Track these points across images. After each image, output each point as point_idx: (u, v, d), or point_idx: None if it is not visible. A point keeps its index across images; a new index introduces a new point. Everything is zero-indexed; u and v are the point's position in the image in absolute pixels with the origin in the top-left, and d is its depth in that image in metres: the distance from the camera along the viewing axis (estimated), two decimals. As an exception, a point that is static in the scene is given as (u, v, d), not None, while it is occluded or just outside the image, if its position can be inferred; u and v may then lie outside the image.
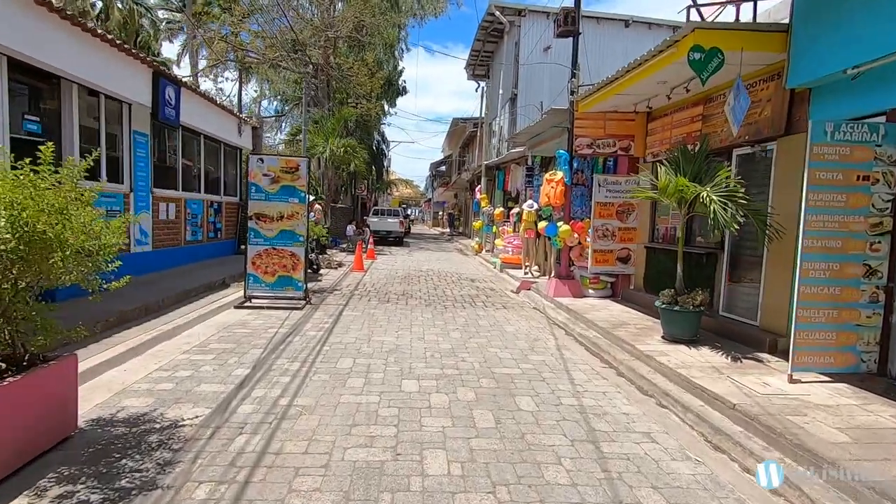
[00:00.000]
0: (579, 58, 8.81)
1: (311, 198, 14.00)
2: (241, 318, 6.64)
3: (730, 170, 5.12)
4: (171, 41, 33.90)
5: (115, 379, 4.15)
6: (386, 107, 30.88)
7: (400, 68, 31.76)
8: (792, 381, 4.26)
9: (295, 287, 7.63)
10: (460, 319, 7.18)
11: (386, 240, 22.16)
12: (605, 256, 8.41)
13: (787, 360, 4.88)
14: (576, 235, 8.56)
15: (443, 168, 46.67)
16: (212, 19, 26.14)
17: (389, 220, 22.88)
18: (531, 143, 12.25)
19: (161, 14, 31.94)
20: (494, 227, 16.16)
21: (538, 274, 11.47)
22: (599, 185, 8.31)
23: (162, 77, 8.05)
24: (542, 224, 8.96)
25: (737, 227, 4.85)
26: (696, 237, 7.04)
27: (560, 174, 8.42)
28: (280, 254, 7.59)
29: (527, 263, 11.58)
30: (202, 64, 27.17)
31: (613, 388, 4.57)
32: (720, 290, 6.30)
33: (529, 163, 12.38)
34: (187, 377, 4.27)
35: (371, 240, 16.58)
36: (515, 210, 14.77)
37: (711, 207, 4.85)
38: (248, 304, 7.47)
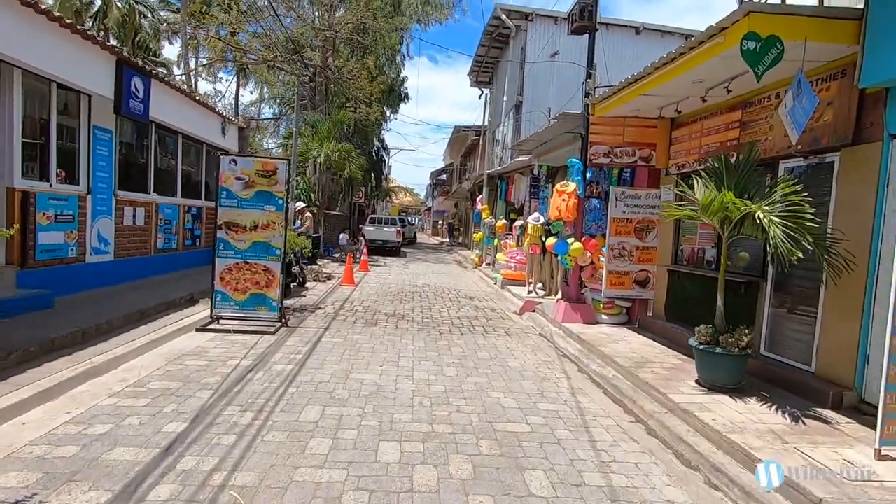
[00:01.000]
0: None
1: (301, 204, 13.12)
2: (201, 344, 5.68)
3: (793, 185, 4.21)
4: (170, 42, 33.28)
5: (2, 438, 3.19)
6: (387, 113, 30.13)
7: (402, 76, 31.08)
8: (881, 456, 3.32)
9: (269, 307, 6.69)
10: (457, 349, 6.23)
11: (382, 249, 21.23)
12: (621, 279, 7.48)
13: (859, 422, 3.96)
14: (588, 254, 7.64)
15: (443, 177, 45.90)
16: (211, 20, 25.45)
17: (386, 229, 21.96)
18: (538, 151, 11.38)
19: (162, 14, 31.32)
20: (496, 240, 15.25)
21: (543, 293, 10.53)
22: (616, 199, 7.41)
23: (127, 66, 7.16)
24: (550, 240, 8.05)
25: (801, 256, 3.92)
26: (731, 261, 6.11)
27: (572, 185, 7.52)
28: (253, 268, 6.65)
29: (530, 281, 10.65)
30: (200, 64, 26.42)
31: (647, 455, 3.62)
32: (762, 325, 5.36)
33: (536, 172, 11.51)
34: (102, 435, 3.31)
35: (364, 250, 15.64)
36: (519, 223, 13.86)
37: (772, 231, 3.92)
38: (213, 325, 6.51)
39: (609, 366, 5.71)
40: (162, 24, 30.57)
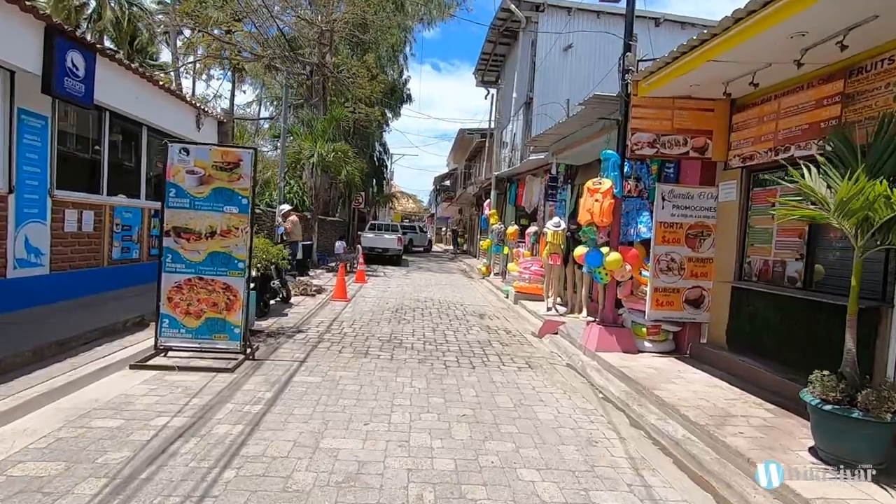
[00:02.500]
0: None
1: (286, 207, 11.75)
2: (128, 390, 4.27)
3: None
4: (167, 44, 32.15)
5: None
6: (388, 115, 28.90)
7: (405, 77, 29.89)
8: None
9: (229, 335, 5.28)
10: (468, 392, 4.79)
11: (382, 258, 19.84)
12: (669, 297, 6.05)
13: None
14: (628, 267, 6.21)
15: (447, 183, 44.62)
16: (205, 20, 24.32)
17: (386, 236, 20.58)
18: (557, 147, 10.00)
19: (160, 18, 30.22)
20: (506, 248, 13.84)
21: (564, 310, 9.09)
22: (663, 199, 5.99)
23: (61, 36, 5.81)
24: (580, 250, 6.64)
25: None
26: (825, 277, 4.68)
27: (608, 183, 6.11)
28: (209, 286, 5.26)
29: (549, 296, 9.21)
30: (192, 61, 25.26)
31: None
32: (886, 367, 3.92)
33: (554, 171, 10.12)
34: None
35: (361, 259, 14.25)
36: (532, 229, 12.46)
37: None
38: (157, 359, 5.12)
39: (672, 418, 4.27)
40: (158, 27, 29.50)
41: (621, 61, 6.33)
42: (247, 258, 5.30)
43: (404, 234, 30.57)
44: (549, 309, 9.05)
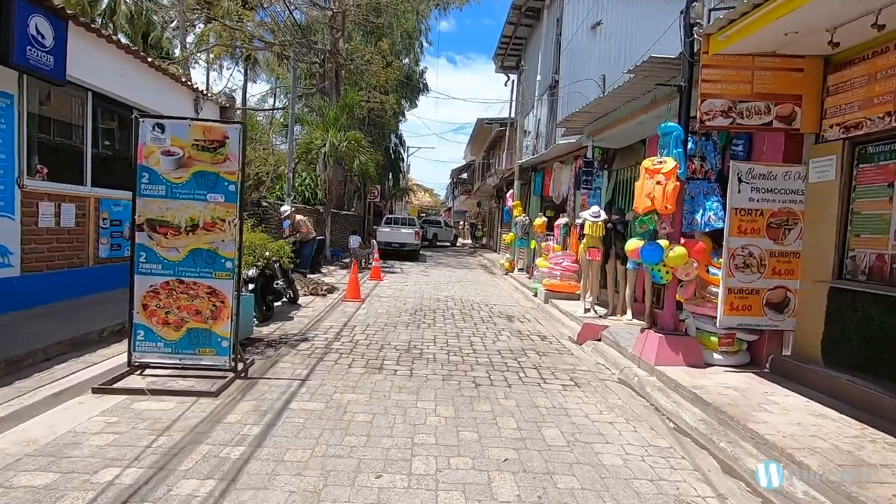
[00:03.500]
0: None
1: (287, 209, 10.87)
2: (81, 424, 3.40)
3: None
4: (179, 42, 31.63)
5: None
6: (404, 105, 27.92)
7: (421, 66, 28.86)
8: None
9: (216, 348, 4.39)
10: (508, 425, 3.81)
11: (399, 253, 18.94)
12: (745, 300, 4.97)
13: None
14: (694, 263, 5.14)
15: (464, 175, 43.51)
16: (217, 9, 23.56)
17: (403, 230, 19.65)
18: (591, 128, 8.90)
19: (172, 14, 29.64)
20: (533, 242, 12.78)
21: (604, 312, 8.03)
22: (740, 181, 4.91)
23: (21, -3, 4.97)
24: (633, 244, 5.58)
25: None
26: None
27: (671, 162, 5.04)
28: (191, 290, 4.36)
29: (587, 297, 8.16)
30: (201, 49, 24.58)
31: None
32: None
33: (590, 155, 9.02)
34: None
35: (376, 255, 13.34)
36: (562, 221, 11.38)
37: None
38: (130, 379, 4.26)
39: (789, 468, 3.22)
40: (171, 22, 28.92)
41: (684, 15, 5.23)
42: (235, 256, 4.39)
43: (429, 228, 30.16)
44: (586, 310, 8.01)
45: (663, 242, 5.31)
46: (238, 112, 23.71)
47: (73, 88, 6.41)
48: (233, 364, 4.42)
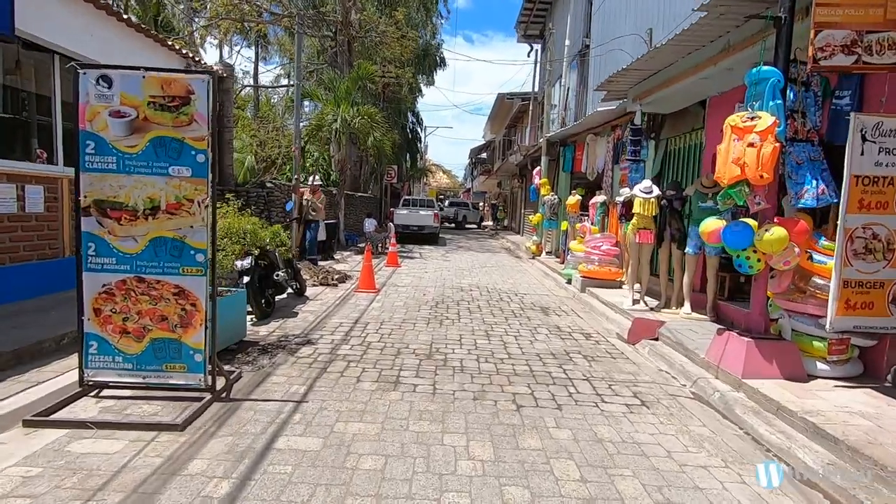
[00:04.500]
0: None
1: (316, 180, 9.91)
2: (-11, 479, 2.52)
3: None
4: (193, 25, 30.70)
5: None
6: (421, 81, 26.63)
7: (438, 39, 27.41)
8: None
9: (188, 363, 3.46)
10: (567, 473, 2.80)
11: (417, 237, 17.95)
12: (865, 295, 3.84)
13: None
14: (795, 248, 3.99)
15: (483, 155, 42.11)
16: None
17: (422, 212, 18.62)
18: (638, 90, 7.66)
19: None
20: (564, 223, 11.63)
21: (655, 304, 6.92)
22: (864, 139, 3.72)
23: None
24: (712, 224, 4.43)
25: None
26: None
27: (768, 118, 3.88)
28: (154, 290, 3.43)
29: (637, 288, 7.04)
30: (208, 23, 23.61)
31: None
32: None
33: (637, 121, 7.80)
34: None
35: (393, 240, 12.37)
36: (599, 199, 10.21)
37: None
38: (80, 402, 3.37)
39: None
40: (179, 5, 27.98)
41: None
42: (208, 246, 3.42)
43: (459, 210, 29.74)
44: (635, 302, 6.90)
45: (751, 222, 4.19)
46: (246, 89, 22.73)
47: (38, 53, 5.49)
48: (209, 383, 3.50)
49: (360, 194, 20.04)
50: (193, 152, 3.35)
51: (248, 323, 5.59)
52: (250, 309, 5.68)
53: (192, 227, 3.39)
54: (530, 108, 21.21)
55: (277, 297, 6.57)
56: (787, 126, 4.04)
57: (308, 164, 14.42)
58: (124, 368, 3.47)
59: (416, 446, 3.01)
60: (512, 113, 25.87)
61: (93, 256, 3.39)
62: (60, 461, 2.68)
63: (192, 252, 3.41)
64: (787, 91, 4.13)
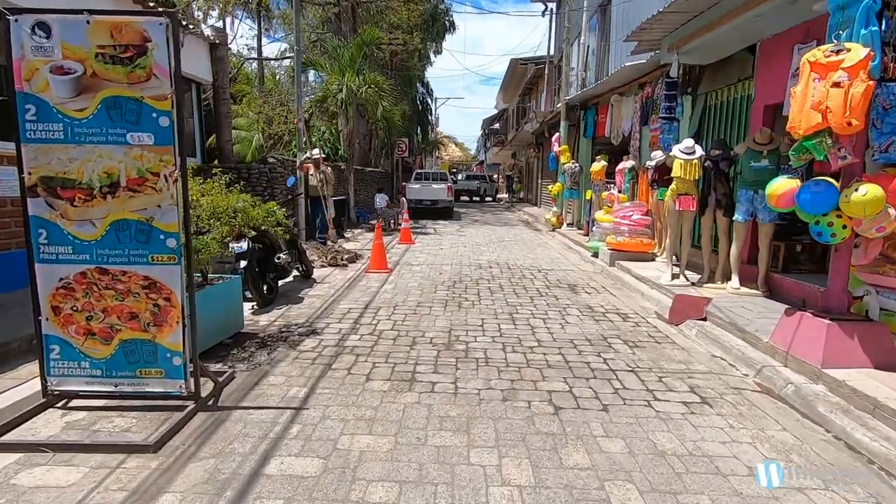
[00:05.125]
0: None
1: (314, 153, 9.30)
2: None
3: None
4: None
5: None
6: (430, 48, 25.51)
7: (447, 2, 26.13)
8: None
9: (166, 367, 2.93)
10: (627, 500, 2.23)
11: (431, 211, 17.30)
12: (980, 266, 3.12)
13: None
14: (892, 211, 3.27)
15: (496, 126, 40.86)
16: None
17: (434, 185, 17.93)
18: (675, 38, 6.78)
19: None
20: (589, 192, 10.87)
21: (697, 278, 6.24)
22: None
23: None
24: (783, 184, 3.69)
25: None
26: None
27: (861, 50, 3.12)
28: (120, 283, 2.88)
29: (675, 262, 6.35)
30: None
31: None
32: None
33: (674, 74, 6.95)
34: None
35: (405, 215, 11.75)
36: (626, 164, 9.44)
37: None
38: (44, 416, 2.88)
39: None
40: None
41: None
42: (180, 229, 2.85)
43: (481, 184, 29.54)
44: (674, 276, 6.23)
45: (833, 181, 3.47)
46: (251, 63, 21.93)
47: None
48: (192, 389, 2.97)
49: (369, 169, 19.37)
50: (155, 115, 2.75)
51: (248, 311, 5.09)
52: (250, 296, 5.18)
53: (159, 206, 2.81)
54: (546, 72, 20.12)
55: (282, 282, 6.05)
56: (880, 60, 3.27)
57: (315, 139, 13.77)
58: (92, 375, 2.96)
59: (437, 467, 2.46)
60: (526, 79, 24.70)
61: (45, 245, 2.84)
62: (5, 496, 2.18)
63: (162, 236, 2.84)
64: (882, 19, 3.34)
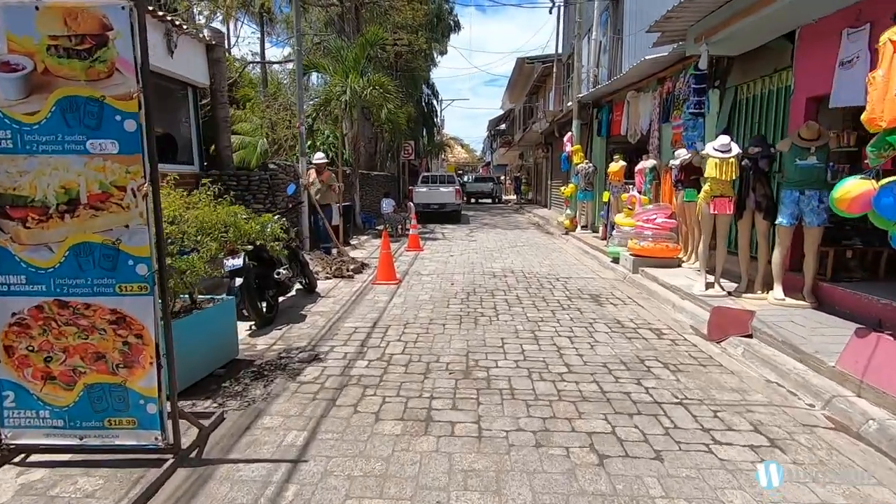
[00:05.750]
0: None
1: (317, 157, 8.89)
2: None
3: None
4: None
5: None
6: (435, 49, 25.09)
7: (452, 2, 25.70)
8: None
9: (138, 416, 2.49)
10: None
11: (439, 215, 16.84)
12: None
13: None
14: None
15: (502, 126, 40.35)
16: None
17: (442, 188, 17.47)
18: (702, 27, 6.27)
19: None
20: (606, 194, 10.36)
21: (734, 288, 5.72)
22: None
23: None
24: (855, 187, 3.15)
25: None
26: None
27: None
28: (83, 319, 2.44)
29: (708, 270, 5.84)
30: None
31: None
32: None
33: (702, 65, 6.44)
34: None
35: (413, 221, 11.29)
36: (646, 163, 8.93)
37: None
38: (-5, 476, 2.44)
39: None
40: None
41: None
42: (152, 252, 2.40)
43: (494, 186, 30.11)
44: (708, 286, 5.71)
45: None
46: (248, 65, 21.61)
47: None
48: (171, 441, 2.52)
49: (375, 173, 18.95)
50: (119, 117, 2.30)
51: (245, 332, 4.66)
52: (248, 314, 4.74)
53: (126, 226, 2.37)
54: (554, 70, 19.61)
55: (285, 295, 5.61)
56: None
57: (318, 144, 13.37)
58: (54, 426, 2.51)
59: (465, 548, 1.98)
60: (533, 78, 24.19)
61: (-6, 274, 2.41)
62: None
63: (131, 262, 2.39)
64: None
